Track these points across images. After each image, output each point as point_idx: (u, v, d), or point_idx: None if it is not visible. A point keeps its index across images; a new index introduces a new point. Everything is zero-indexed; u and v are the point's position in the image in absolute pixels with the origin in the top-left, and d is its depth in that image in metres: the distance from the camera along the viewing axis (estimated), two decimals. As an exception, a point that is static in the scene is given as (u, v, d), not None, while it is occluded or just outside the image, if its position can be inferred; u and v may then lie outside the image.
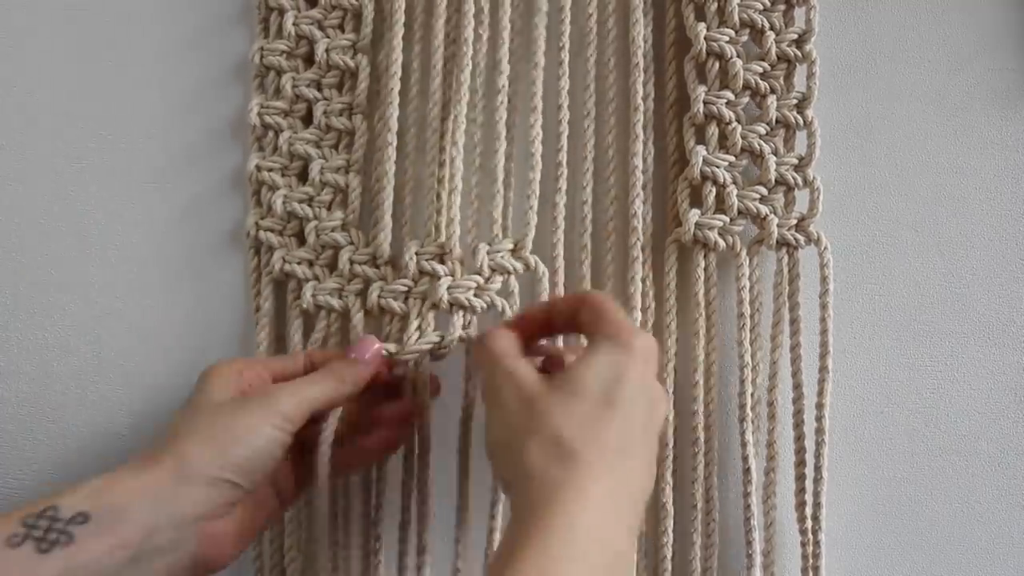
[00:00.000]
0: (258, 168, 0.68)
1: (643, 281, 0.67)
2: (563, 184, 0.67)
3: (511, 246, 0.67)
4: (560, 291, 0.67)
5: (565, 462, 0.51)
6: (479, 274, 0.66)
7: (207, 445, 0.55)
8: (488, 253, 0.66)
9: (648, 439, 0.55)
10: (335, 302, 0.67)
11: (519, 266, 0.67)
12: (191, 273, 0.71)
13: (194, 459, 0.55)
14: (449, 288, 0.65)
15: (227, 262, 0.71)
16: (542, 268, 0.67)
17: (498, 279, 0.66)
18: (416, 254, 0.66)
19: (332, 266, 0.68)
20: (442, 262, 0.66)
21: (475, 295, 0.66)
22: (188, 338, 0.71)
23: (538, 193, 0.66)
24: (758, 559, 0.67)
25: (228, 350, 0.70)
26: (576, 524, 0.49)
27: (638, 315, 0.67)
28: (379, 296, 0.66)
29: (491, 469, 0.58)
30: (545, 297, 0.67)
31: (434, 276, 0.66)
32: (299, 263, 0.68)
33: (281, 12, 0.68)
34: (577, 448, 0.51)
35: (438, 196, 0.66)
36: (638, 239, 0.67)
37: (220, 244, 0.70)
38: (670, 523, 0.67)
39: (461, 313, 0.65)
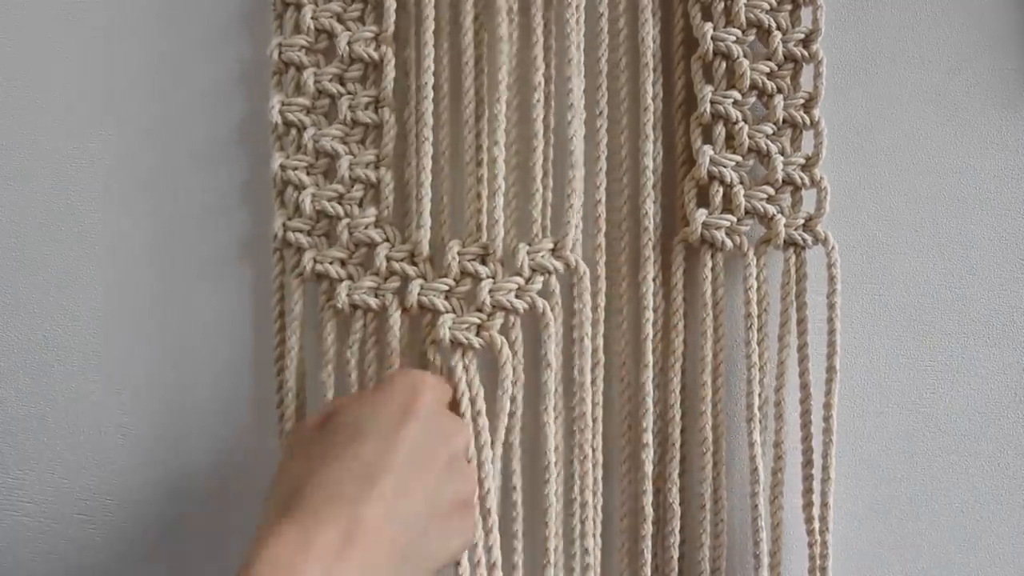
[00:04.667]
0: (283, 168, 0.67)
1: (653, 281, 0.67)
2: (598, 184, 0.67)
3: (551, 246, 0.66)
4: (601, 291, 0.67)
5: (284, 509, 0.49)
6: (519, 275, 0.65)
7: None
8: (528, 253, 0.65)
9: (412, 465, 0.53)
10: (372, 301, 0.66)
11: (559, 266, 0.66)
12: (193, 275, 0.70)
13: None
14: (491, 291, 0.65)
15: (229, 264, 0.70)
16: (583, 267, 0.66)
17: (539, 279, 0.65)
18: (459, 254, 0.65)
19: (365, 264, 0.66)
20: (484, 263, 0.65)
21: (516, 296, 0.65)
22: (187, 338, 0.70)
23: (580, 192, 0.65)
24: (765, 559, 0.67)
25: (228, 350, 0.70)
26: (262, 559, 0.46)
27: (649, 314, 0.67)
28: (420, 294, 0.65)
29: None
30: (587, 298, 0.66)
31: (476, 277, 0.65)
32: (332, 263, 0.66)
33: (298, 7, 0.66)
34: (302, 487, 0.50)
35: (478, 195, 0.66)
36: (649, 239, 0.67)
37: (222, 246, 0.70)
38: (677, 523, 0.67)
39: (502, 315, 0.65)
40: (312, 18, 0.66)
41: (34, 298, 0.70)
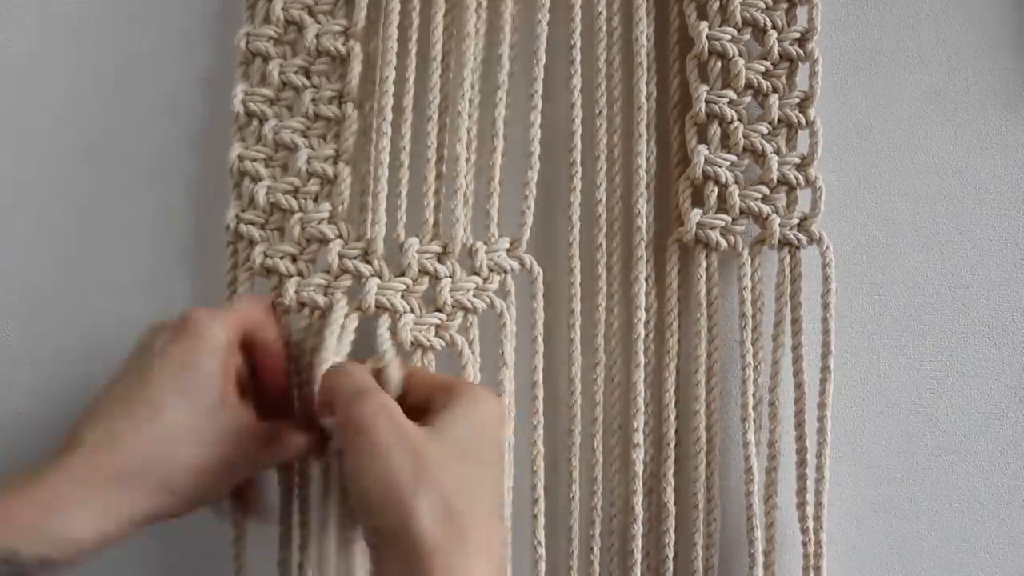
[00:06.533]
0: (240, 158, 0.65)
1: (646, 281, 0.67)
2: (577, 183, 0.66)
3: (507, 245, 0.66)
4: (576, 292, 0.67)
5: (453, 531, 0.49)
6: (477, 274, 0.65)
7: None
8: (486, 252, 0.65)
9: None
10: (320, 299, 0.64)
11: (515, 265, 0.66)
12: (185, 273, 0.71)
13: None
14: (451, 290, 0.64)
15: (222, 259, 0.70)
16: (537, 268, 0.66)
17: (496, 279, 0.65)
18: (418, 252, 0.64)
19: (317, 261, 0.65)
20: (441, 262, 0.65)
21: (475, 295, 0.65)
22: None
23: (535, 192, 0.65)
24: (760, 559, 0.67)
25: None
26: None
27: (641, 315, 0.67)
28: (376, 293, 0.64)
29: (360, 520, 0.54)
30: (539, 299, 0.66)
31: (435, 277, 0.64)
32: (282, 257, 0.65)
33: None
34: (463, 511, 0.50)
35: (436, 192, 0.65)
36: (642, 239, 0.67)
37: (217, 241, 0.69)
38: (671, 523, 0.67)
39: (461, 315, 0.65)
40: (282, 8, 0.65)
41: (32, 298, 0.70)
